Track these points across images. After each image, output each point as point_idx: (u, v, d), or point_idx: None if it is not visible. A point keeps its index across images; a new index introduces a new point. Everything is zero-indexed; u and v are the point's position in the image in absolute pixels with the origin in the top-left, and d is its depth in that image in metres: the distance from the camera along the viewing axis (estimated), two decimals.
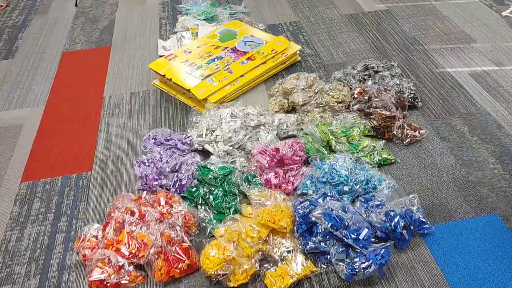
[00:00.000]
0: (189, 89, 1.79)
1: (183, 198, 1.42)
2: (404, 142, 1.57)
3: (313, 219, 1.22)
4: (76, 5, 2.73)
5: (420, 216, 1.28)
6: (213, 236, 1.30)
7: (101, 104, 1.91)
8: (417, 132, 1.59)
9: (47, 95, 1.99)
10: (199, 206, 1.39)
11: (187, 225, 1.30)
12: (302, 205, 1.28)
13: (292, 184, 1.44)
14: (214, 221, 1.33)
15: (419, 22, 2.29)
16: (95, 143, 1.70)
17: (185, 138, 1.57)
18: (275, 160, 1.44)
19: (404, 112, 1.68)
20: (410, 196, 1.35)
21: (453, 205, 1.37)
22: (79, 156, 1.66)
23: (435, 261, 1.23)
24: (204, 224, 1.34)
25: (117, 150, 1.66)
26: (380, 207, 1.29)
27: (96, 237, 1.30)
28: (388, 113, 1.57)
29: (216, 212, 1.36)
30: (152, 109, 1.85)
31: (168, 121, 1.78)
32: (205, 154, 1.57)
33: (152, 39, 2.33)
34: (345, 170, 1.37)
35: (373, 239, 1.23)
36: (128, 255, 1.21)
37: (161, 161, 1.46)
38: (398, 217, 1.24)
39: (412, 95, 1.72)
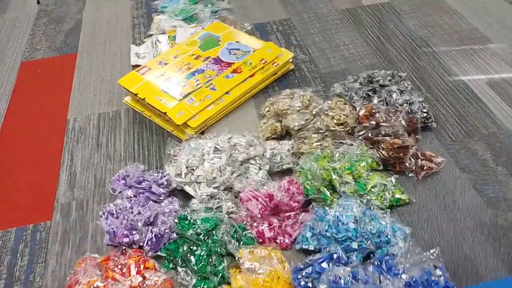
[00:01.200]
0: (165, 112, 1.53)
1: (159, 257, 1.19)
2: (419, 177, 1.34)
3: None
4: (38, 2, 2.42)
5: (445, 281, 1.06)
6: None
7: (65, 129, 1.64)
8: (433, 162, 1.36)
9: (1, 119, 1.71)
10: (178, 268, 1.16)
11: None
12: (303, 273, 1.05)
13: (290, 236, 1.21)
14: None
15: (425, 17, 2.03)
16: (56, 182, 1.45)
17: (161, 178, 1.32)
18: (268, 208, 1.21)
19: (416, 136, 1.44)
20: (431, 251, 1.12)
21: (482, 260, 1.15)
22: (37, 199, 1.41)
23: None
24: None
25: (82, 191, 1.41)
26: (397, 271, 1.07)
27: None
28: (400, 142, 1.33)
29: (199, 277, 1.13)
30: (123, 134, 1.60)
31: (142, 151, 1.53)
32: (185, 195, 1.33)
33: (124, 44, 2.06)
34: (353, 222, 1.14)
35: None
36: None
37: (132, 212, 1.22)
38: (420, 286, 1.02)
39: (425, 114, 1.48)
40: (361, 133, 1.39)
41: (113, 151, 1.53)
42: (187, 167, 1.32)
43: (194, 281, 1.13)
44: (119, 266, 1.13)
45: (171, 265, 1.17)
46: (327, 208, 1.19)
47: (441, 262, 1.10)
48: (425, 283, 1.03)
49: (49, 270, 1.21)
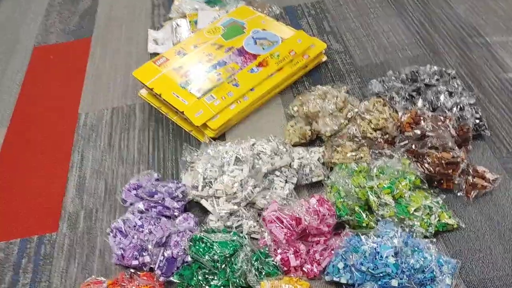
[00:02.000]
0: (183, 111, 1.38)
1: (171, 283, 1.07)
2: (470, 197, 1.16)
3: None
4: None
5: None
6: None
7: (75, 125, 1.52)
8: (486, 179, 1.17)
9: (10, 113, 1.60)
10: None
11: None
12: None
13: (319, 265, 1.07)
14: None
15: (477, 2, 1.80)
16: (64, 187, 1.33)
17: (176, 190, 1.19)
18: (295, 233, 1.06)
19: (467, 147, 1.26)
20: None
21: None
22: (44, 205, 1.30)
23: None
24: None
25: (92, 199, 1.29)
26: None
27: None
28: (449, 156, 1.15)
29: None
30: (138, 134, 1.46)
31: (157, 153, 1.39)
32: (202, 208, 1.20)
33: (141, 27, 1.90)
34: (393, 255, 0.98)
35: None
36: None
37: (143, 231, 1.09)
38: None
39: (477, 120, 1.29)
40: (403, 143, 1.21)
41: (126, 153, 1.40)
42: (204, 179, 1.18)
43: None
44: None
45: None
46: (362, 237, 1.03)
47: None
48: None
49: None
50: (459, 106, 1.29)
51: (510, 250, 1.07)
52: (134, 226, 1.10)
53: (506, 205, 1.15)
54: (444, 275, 1.01)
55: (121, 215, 1.22)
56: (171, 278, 1.06)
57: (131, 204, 1.20)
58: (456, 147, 1.17)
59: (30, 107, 1.61)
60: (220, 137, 1.40)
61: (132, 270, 1.08)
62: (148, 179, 1.24)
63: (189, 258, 1.08)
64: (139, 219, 1.11)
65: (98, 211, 1.26)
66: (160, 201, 1.17)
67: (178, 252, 1.08)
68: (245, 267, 1.01)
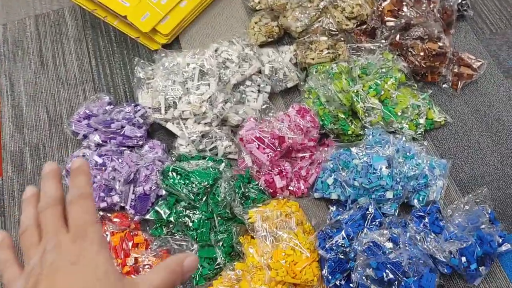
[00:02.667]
0: (125, 16, 1.16)
1: (146, 221, 0.97)
2: (457, 88, 1.08)
3: (355, 278, 0.82)
4: None
5: (500, 234, 0.89)
6: None
7: None
8: (471, 67, 1.09)
9: None
10: (175, 233, 0.95)
11: None
12: (331, 242, 0.86)
13: (305, 181, 0.99)
14: (200, 268, 0.90)
15: None
16: None
17: (135, 114, 1.03)
18: (278, 153, 0.96)
19: (450, 31, 1.15)
20: (478, 192, 0.94)
21: None
22: None
23: None
24: None
25: (35, 132, 1.11)
26: (441, 224, 0.89)
27: None
28: (435, 46, 1.04)
29: (201, 245, 0.93)
30: (73, 46, 1.23)
31: (102, 69, 1.19)
32: (168, 131, 1.05)
33: None
34: (386, 167, 0.91)
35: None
36: None
37: (106, 169, 0.95)
38: (473, 250, 0.85)
39: (460, 0, 1.16)
40: (384, 34, 1.08)
41: (65, 72, 1.19)
42: (166, 99, 1.02)
43: (196, 246, 0.93)
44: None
45: (164, 230, 0.95)
46: (353, 149, 0.94)
47: (490, 206, 0.92)
48: (477, 240, 0.86)
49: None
50: None
51: (497, 142, 1.03)
52: (95, 165, 0.95)
53: (492, 93, 1.09)
54: (436, 178, 0.96)
55: (74, 149, 1.06)
56: (147, 216, 0.96)
57: (84, 136, 1.03)
58: (443, 35, 1.05)
59: None
60: (174, 41, 1.21)
61: (102, 213, 0.96)
62: (100, 104, 1.06)
63: (163, 192, 0.97)
64: (99, 156, 0.96)
65: (45, 146, 1.09)
66: (118, 130, 1.01)
67: (150, 187, 0.96)
68: (229, 198, 0.92)
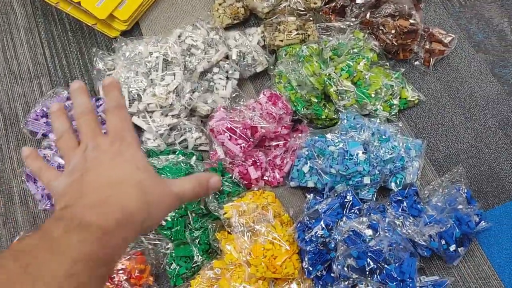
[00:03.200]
0: (79, 2, 1.08)
1: None
2: (429, 65, 1.06)
3: (336, 268, 0.80)
4: None
5: (477, 213, 0.89)
6: None
7: None
8: (442, 43, 1.07)
9: None
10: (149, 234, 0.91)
11: (140, 284, 0.85)
12: (310, 234, 0.84)
13: (280, 170, 0.96)
14: (177, 268, 0.87)
15: None
16: None
17: (97, 109, 0.97)
18: (251, 143, 0.92)
19: (420, 5, 1.12)
20: (454, 171, 0.93)
21: (509, 170, 0.98)
22: None
23: (496, 273, 0.90)
24: (165, 267, 0.88)
25: None
26: (419, 207, 0.88)
27: None
28: (407, 24, 1.01)
29: (176, 244, 0.89)
30: (25, 36, 1.14)
31: (58, 60, 1.11)
32: (134, 126, 1.00)
33: None
34: (363, 152, 0.89)
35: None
36: None
37: None
38: (452, 232, 0.84)
39: None
40: (354, 13, 1.04)
41: (17, 65, 1.11)
42: (130, 92, 0.96)
43: (171, 245, 0.89)
44: None
45: None
46: (328, 136, 0.92)
47: (466, 185, 0.91)
48: (455, 221, 0.86)
49: None
50: None
51: (471, 119, 1.02)
52: (58, 167, 0.89)
53: (464, 68, 1.08)
54: (412, 159, 0.95)
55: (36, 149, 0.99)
56: None
57: (44, 135, 0.97)
58: (414, 12, 1.02)
59: None
60: (134, 27, 1.14)
61: None
62: (58, 99, 0.99)
63: None
64: (61, 157, 0.90)
65: (2, 148, 1.02)
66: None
67: None
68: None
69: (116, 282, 0.82)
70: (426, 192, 0.92)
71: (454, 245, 0.85)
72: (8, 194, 0.97)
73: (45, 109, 0.97)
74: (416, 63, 1.07)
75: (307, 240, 0.84)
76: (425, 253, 0.86)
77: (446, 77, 1.06)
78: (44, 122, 0.96)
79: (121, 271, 0.83)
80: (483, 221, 0.89)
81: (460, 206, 0.88)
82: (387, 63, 1.04)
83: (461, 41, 1.10)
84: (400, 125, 0.97)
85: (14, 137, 1.03)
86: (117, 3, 1.09)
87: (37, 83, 1.08)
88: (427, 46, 1.06)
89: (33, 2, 1.18)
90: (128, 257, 0.85)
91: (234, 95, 1.00)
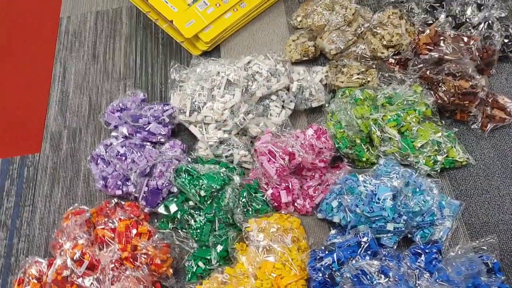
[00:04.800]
0: (172, 20, 1.23)
1: (155, 214, 1.02)
2: (485, 130, 1.05)
3: None
4: None
5: (499, 285, 0.85)
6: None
7: (57, 31, 1.38)
8: (505, 111, 1.05)
9: None
10: (179, 230, 1.00)
11: (159, 272, 0.93)
12: (322, 263, 0.86)
13: (312, 200, 1.00)
14: (195, 267, 0.94)
15: None
16: (46, 103, 1.25)
17: (163, 113, 1.09)
18: (287, 169, 0.98)
19: (490, 71, 1.11)
20: (486, 240, 0.90)
21: None
22: (25, 124, 1.22)
23: None
24: (185, 263, 0.96)
25: (75, 117, 1.21)
26: (438, 265, 0.86)
27: (39, 280, 0.95)
28: (467, 85, 1.02)
29: (199, 246, 0.97)
30: (124, 43, 1.33)
31: (145, 68, 1.27)
32: (192, 134, 1.11)
33: None
34: (391, 199, 0.91)
35: None
36: None
37: (126, 160, 1.02)
38: None
39: (506, 40, 1.12)
40: (417, 67, 1.07)
41: (112, 66, 1.29)
42: (193, 103, 1.08)
43: (196, 245, 0.97)
44: (110, 224, 0.97)
45: (170, 225, 1.00)
46: (359, 177, 0.94)
47: (496, 256, 0.88)
48: (471, 287, 0.83)
49: (37, 216, 1.08)
50: (487, 23, 1.12)
51: None
52: (117, 155, 1.02)
53: None
54: (445, 218, 0.94)
55: (106, 138, 1.14)
56: (159, 210, 1.01)
57: (115, 127, 1.11)
58: (477, 75, 1.03)
59: (5, 9, 1.46)
60: (215, 49, 1.27)
61: (116, 200, 1.03)
62: (134, 99, 1.14)
63: (175, 189, 1.03)
64: (122, 147, 1.03)
65: (82, 131, 1.19)
66: (145, 126, 1.08)
67: (163, 183, 1.02)
68: (232, 204, 0.95)
69: (137, 264, 0.91)
70: (451, 253, 0.90)
71: None
72: (76, 171, 1.13)
73: (121, 104, 1.12)
74: (473, 126, 1.06)
75: (317, 268, 0.86)
76: None
77: (502, 145, 1.04)
78: (118, 116, 1.11)
79: (144, 255, 0.92)
80: None
81: (482, 275, 0.85)
82: (442, 121, 1.05)
83: None
84: (440, 182, 0.97)
85: (93, 125, 1.19)
86: (203, 26, 1.22)
87: (123, 83, 1.25)
88: (488, 111, 1.05)
89: (138, 16, 1.37)
90: (155, 245, 0.94)
91: (284, 124, 1.07)
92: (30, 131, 1.20)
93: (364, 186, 0.93)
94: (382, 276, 0.84)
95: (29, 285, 0.94)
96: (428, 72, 1.05)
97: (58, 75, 1.29)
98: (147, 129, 1.07)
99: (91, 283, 0.90)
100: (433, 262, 0.87)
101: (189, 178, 0.99)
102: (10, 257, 1.03)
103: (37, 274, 0.95)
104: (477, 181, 1.01)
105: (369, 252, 0.88)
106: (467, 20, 1.13)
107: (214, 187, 0.97)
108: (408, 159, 0.99)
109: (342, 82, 1.12)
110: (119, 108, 1.12)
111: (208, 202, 0.97)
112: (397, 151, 0.99)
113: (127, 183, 1.03)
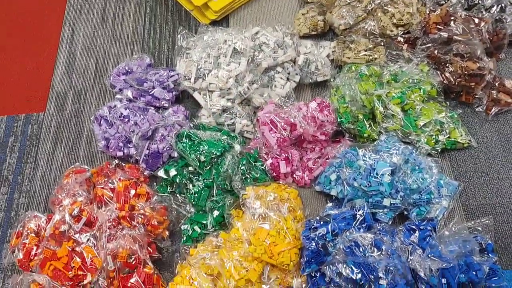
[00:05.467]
0: None
1: (155, 178, 1.03)
2: (489, 113, 1.04)
3: (329, 273, 0.83)
4: None
5: (491, 264, 0.86)
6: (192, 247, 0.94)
7: None
8: (511, 96, 1.04)
9: None
10: (177, 194, 1.01)
11: (155, 233, 0.94)
12: (316, 233, 0.87)
13: (310, 172, 1.01)
14: (190, 230, 0.95)
15: None
16: (53, 63, 1.25)
17: (168, 78, 1.09)
18: (288, 140, 0.98)
19: (499, 55, 1.10)
20: (481, 220, 0.90)
21: None
22: (32, 83, 1.23)
23: None
24: (181, 226, 0.97)
25: (81, 79, 1.22)
26: (431, 242, 0.87)
27: (37, 234, 0.97)
28: (474, 67, 1.01)
29: (196, 210, 0.98)
30: (134, 8, 1.32)
31: (153, 34, 1.27)
32: (196, 101, 1.11)
33: None
34: (390, 174, 0.91)
35: None
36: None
37: (128, 122, 1.03)
38: (456, 274, 0.82)
39: None
40: (425, 46, 1.06)
41: (120, 30, 1.28)
42: (198, 70, 1.08)
43: (193, 210, 0.98)
44: (110, 184, 0.98)
45: (168, 189, 1.01)
46: (359, 151, 0.95)
47: (490, 237, 0.88)
48: (463, 266, 0.84)
49: (38, 173, 1.09)
50: (500, 6, 1.10)
51: None
52: (120, 116, 1.03)
53: None
54: (442, 198, 0.94)
55: (110, 100, 1.15)
56: (157, 173, 1.02)
57: (120, 90, 1.12)
58: (485, 57, 1.02)
59: None
60: (223, 19, 1.26)
61: (117, 161, 1.04)
62: (140, 63, 1.14)
63: (176, 154, 1.03)
64: (125, 109, 1.04)
65: (87, 93, 1.19)
66: (149, 90, 1.08)
67: (164, 147, 1.02)
68: (231, 171, 0.96)
69: (134, 224, 0.92)
70: (446, 232, 0.91)
71: None
72: (80, 132, 1.14)
73: (127, 68, 1.12)
74: (478, 109, 1.05)
75: (310, 238, 0.87)
76: None
77: (506, 130, 1.03)
78: (123, 79, 1.11)
79: (141, 216, 0.93)
80: (496, 277, 0.85)
81: (475, 254, 0.85)
82: (446, 102, 1.04)
83: None
84: (440, 161, 0.97)
85: (99, 87, 1.20)
86: None
87: (130, 48, 1.25)
88: (493, 95, 1.04)
89: None
90: (152, 206, 0.95)
91: (287, 96, 1.07)
92: (36, 90, 1.21)
93: (363, 160, 0.93)
94: (375, 249, 0.85)
95: (27, 238, 0.95)
96: (436, 52, 1.04)
97: (66, 36, 1.29)
98: (151, 93, 1.08)
99: (88, 239, 0.91)
100: (427, 239, 0.88)
101: (190, 143, 1.00)
102: (11, 211, 1.05)
103: (35, 228, 0.97)
104: (477, 164, 1.00)
105: (363, 226, 0.88)
106: (480, 2, 1.12)
107: (214, 153, 0.97)
108: (410, 137, 0.99)
109: (349, 58, 1.11)
110: (124, 71, 1.12)
111: (208, 168, 0.98)
112: (399, 129, 0.99)
113: (128, 145, 1.03)
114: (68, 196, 0.96)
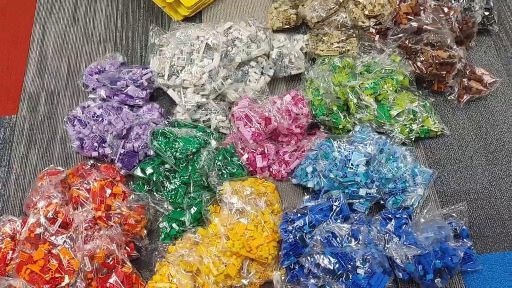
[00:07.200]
0: None
1: (131, 177, 1.02)
2: (461, 101, 1.06)
3: (307, 264, 0.83)
4: None
5: (466, 249, 0.87)
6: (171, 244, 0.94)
7: None
8: (482, 82, 1.06)
9: None
10: (154, 192, 1.00)
11: (132, 232, 0.94)
12: (294, 225, 0.88)
13: (287, 166, 1.01)
14: (168, 228, 0.95)
15: None
16: (25, 64, 1.23)
17: (142, 76, 1.08)
18: (263, 134, 0.98)
19: (469, 44, 1.12)
20: (456, 207, 0.92)
21: None
22: (3, 84, 1.21)
23: None
24: (159, 224, 0.97)
25: (53, 80, 1.20)
26: (407, 229, 0.88)
27: (13, 238, 0.95)
28: (445, 55, 1.02)
29: (174, 208, 0.98)
30: (105, 5, 1.31)
31: (125, 32, 1.25)
32: (171, 98, 1.10)
33: None
34: (364, 164, 0.92)
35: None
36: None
37: (102, 121, 1.02)
38: (432, 260, 0.84)
39: (486, 13, 1.12)
40: (396, 36, 1.07)
41: (92, 29, 1.27)
42: (171, 66, 1.07)
43: (170, 207, 0.98)
44: (86, 184, 0.97)
45: (145, 187, 1.01)
46: (334, 142, 0.95)
47: (465, 223, 0.90)
48: (439, 252, 0.85)
49: (12, 176, 1.07)
50: None
51: (492, 162, 1.00)
52: (93, 116, 1.02)
53: (500, 112, 1.06)
54: (417, 186, 0.95)
55: (84, 100, 1.14)
56: (135, 172, 1.01)
57: (93, 89, 1.10)
58: (455, 46, 1.03)
59: None
60: (196, 15, 1.25)
61: (93, 161, 1.02)
62: (112, 62, 1.13)
63: (152, 152, 1.03)
64: (99, 108, 1.03)
65: (60, 94, 1.18)
66: (123, 89, 1.07)
67: (139, 146, 1.02)
68: (207, 167, 0.96)
69: (110, 224, 0.91)
70: (422, 220, 0.92)
71: (432, 274, 0.84)
72: (53, 133, 1.12)
73: (99, 67, 1.11)
74: (450, 97, 1.07)
75: (288, 230, 0.87)
76: (401, 275, 0.86)
77: (478, 117, 1.05)
78: (96, 78, 1.10)
79: (118, 215, 0.92)
80: (471, 261, 0.87)
81: (449, 240, 0.87)
82: (419, 91, 1.05)
83: (504, 86, 1.08)
84: (414, 150, 0.98)
85: (72, 87, 1.18)
86: None
87: (103, 46, 1.23)
88: (465, 83, 1.06)
89: None
90: (129, 205, 0.94)
91: (262, 90, 1.07)
92: (7, 92, 1.19)
93: (339, 152, 0.94)
94: (352, 239, 0.86)
95: (2, 243, 0.94)
96: (407, 42, 1.05)
97: (37, 36, 1.27)
98: (125, 91, 1.06)
99: (64, 241, 0.90)
100: (403, 227, 0.89)
101: (165, 141, 0.99)
102: None
103: (10, 232, 0.95)
104: (450, 151, 1.02)
105: (340, 216, 0.89)
106: None
107: (190, 150, 0.97)
108: (384, 127, 1.00)
109: (322, 50, 1.11)
110: (97, 70, 1.11)
111: (184, 164, 0.98)
112: (373, 119, 1.00)
113: (103, 145, 1.02)
114: (42, 199, 0.94)
